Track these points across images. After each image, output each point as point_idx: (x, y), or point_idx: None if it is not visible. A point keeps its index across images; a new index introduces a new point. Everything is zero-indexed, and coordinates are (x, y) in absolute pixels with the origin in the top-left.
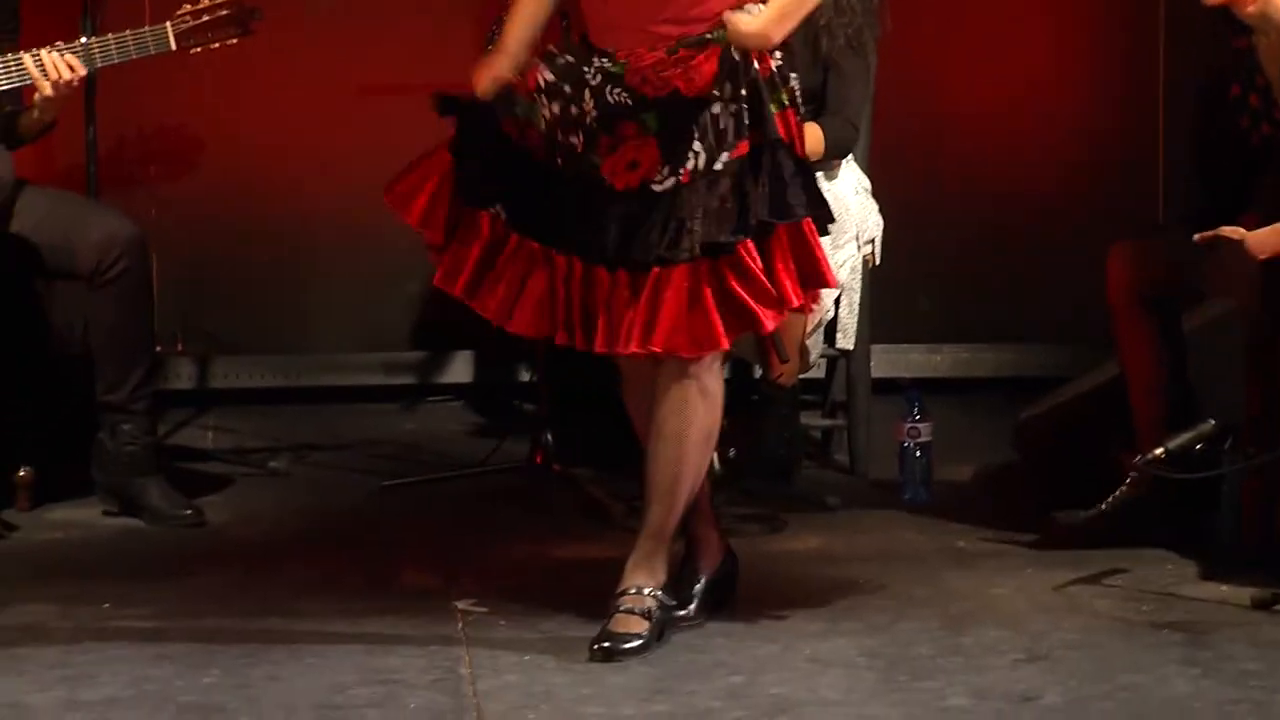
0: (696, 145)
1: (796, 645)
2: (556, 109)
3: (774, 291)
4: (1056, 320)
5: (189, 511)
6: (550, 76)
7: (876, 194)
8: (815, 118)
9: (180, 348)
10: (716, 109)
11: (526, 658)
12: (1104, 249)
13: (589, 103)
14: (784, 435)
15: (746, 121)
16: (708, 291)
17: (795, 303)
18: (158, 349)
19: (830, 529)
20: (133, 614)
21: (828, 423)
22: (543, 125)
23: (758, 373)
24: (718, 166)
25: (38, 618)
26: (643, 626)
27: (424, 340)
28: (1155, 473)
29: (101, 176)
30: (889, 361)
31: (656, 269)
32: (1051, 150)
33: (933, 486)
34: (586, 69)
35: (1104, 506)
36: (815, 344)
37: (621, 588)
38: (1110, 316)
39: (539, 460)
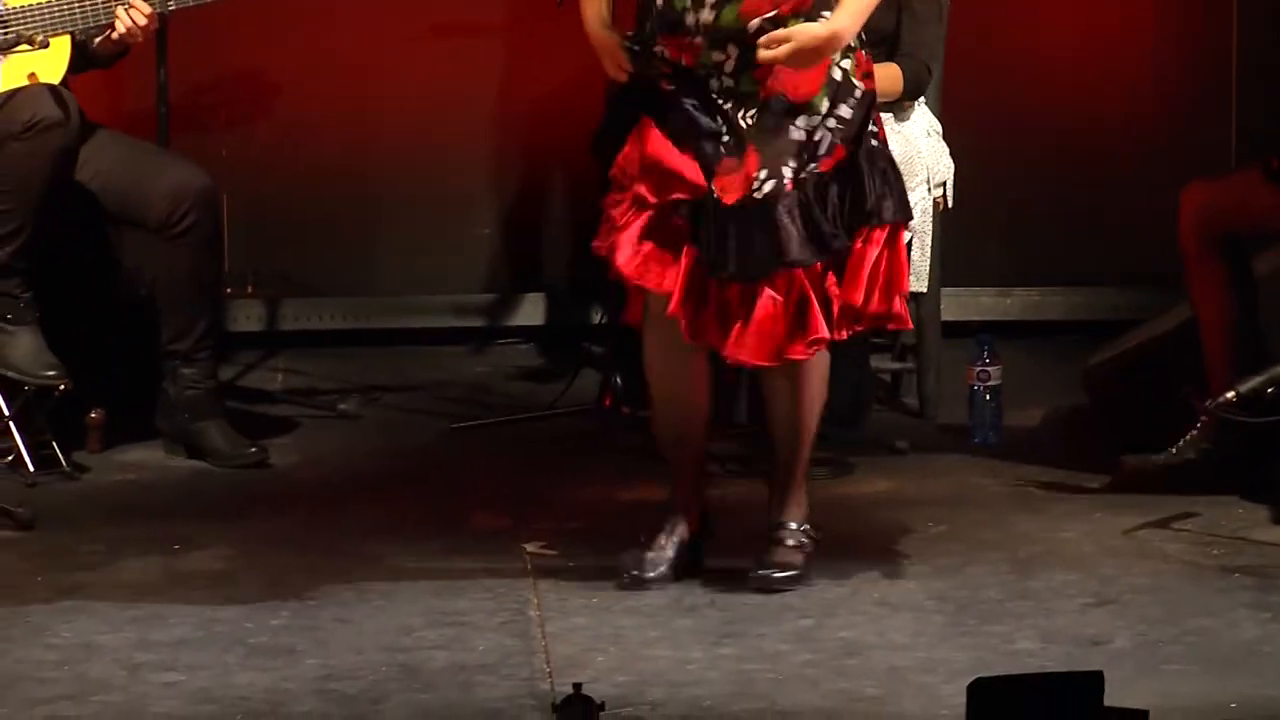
0: (791, 162)
1: (865, 589)
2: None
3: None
4: (1128, 263)
5: (253, 449)
6: (685, 122)
7: (947, 136)
8: (890, 58)
9: (250, 290)
10: (815, 122)
11: (595, 600)
12: (1176, 191)
13: (721, 127)
14: (853, 378)
15: (843, 137)
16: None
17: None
18: (228, 291)
19: (899, 472)
20: (202, 556)
21: (897, 366)
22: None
23: None
24: (804, 175)
25: (108, 559)
26: (799, 558)
27: (494, 283)
28: (1226, 416)
29: (172, 118)
30: (959, 305)
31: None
32: (1123, 92)
33: (1002, 430)
34: (717, 95)
35: (1174, 450)
36: None
37: (776, 521)
38: (1182, 259)
39: (608, 403)
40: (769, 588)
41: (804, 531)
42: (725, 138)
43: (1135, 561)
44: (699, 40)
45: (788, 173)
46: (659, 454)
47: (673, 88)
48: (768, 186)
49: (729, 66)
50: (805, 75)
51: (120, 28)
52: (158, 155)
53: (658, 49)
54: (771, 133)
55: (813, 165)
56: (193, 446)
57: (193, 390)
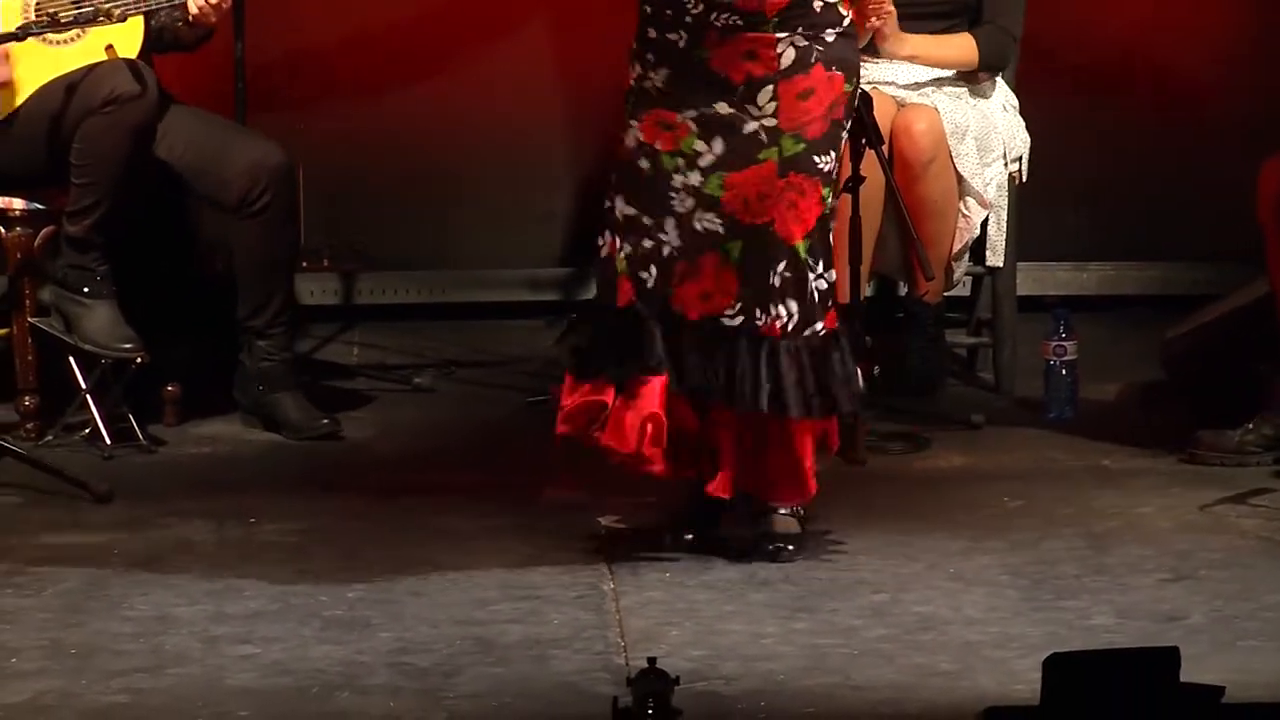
0: (792, 305)
1: (940, 563)
2: (630, 248)
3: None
4: (1205, 238)
5: (326, 421)
6: (630, 210)
7: (1024, 110)
8: (970, 28)
9: (326, 263)
10: (811, 277)
11: (669, 574)
12: (1254, 166)
13: (670, 233)
14: (928, 353)
15: (830, 299)
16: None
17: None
18: (304, 265)
19: (974, 447)
20: (278, 529)
21: (973, 340)
22: (625, 268)
23: (903, 290)
24: (808, 333)
25: (185, 532)
26: (796, 526)
27: (568, 256)
28: None
29: (250, 94)
30: (1035, 279)
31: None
32: (1201, 66)
33: (1078, 404)
34: (674, 194)
35: (1250, 426)
36: (960, 262)
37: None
38: (1260, 234)
39: None
40: (780, 558)
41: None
42: (677, 242)
43: (1211, 537)
44: (688, 123)
45: (762, 317)
46: None
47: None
48: (738, 320)
49: (705, 161)
50: (799, 213)
51: (193, 8)
52: (234, 132)
53: (635, 126)
54: (757, 268)
55: (818, 325)
56: (268, 418)
57: (267, 363)
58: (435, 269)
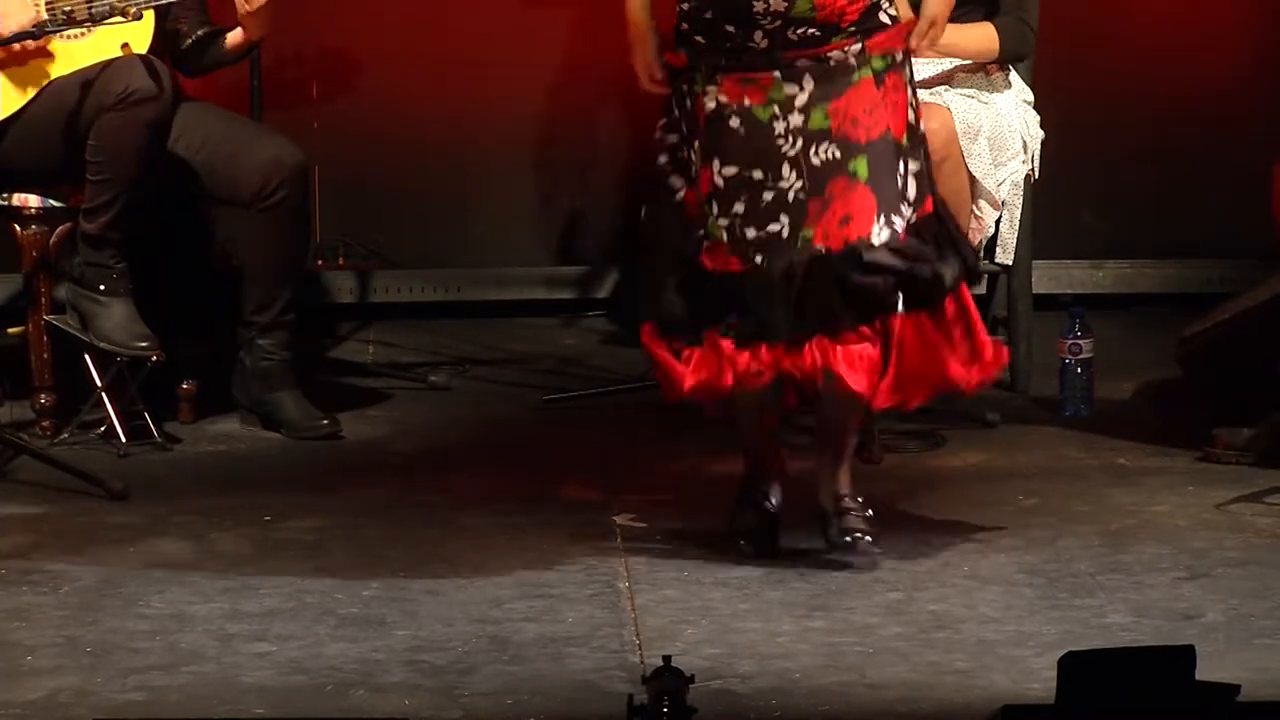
0: (905, 208)
1: (955, 562)
2: (742, 207)
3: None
4: (1221, 235)
5: (325, 422)
6: (730, 171)
7: (1040, 107)
8: (986, 18)
9: (342, 262)
10: (913, 165)
11: (684, 573)
12: (1270, 163)
13: (790, 177)
14: None
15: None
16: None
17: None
18: (319, 263)
19: (990, 445)
20: (293, 526)
21: None
22: (724, 236)
23: None
24: (912, 220)
25: (200, 529)
26: (871, 523)
27: (583, 254)
28: None
29: (265, 91)
30: (1051, 277)
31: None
32: (1217, 63)
33: (1094, 403)
34: (781, 140)
35: (1267, 424)
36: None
37: (839, 493)
38: (1275, 232)
39: None
40: (869, 551)
41: (859, 500)
42: (799, 184)
43: (1227, 535)
44: (772, 74)
45: (899, 222)
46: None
47: (738, 125)
48: (884, 235)
49: (801, 100)
50: (899, 110)
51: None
52: (250, 130)
53: (712, 90)
54: (886, 176)
55: (912, 214)
56: (267, 417)
57: (267, 361)
58: (451, 267)
